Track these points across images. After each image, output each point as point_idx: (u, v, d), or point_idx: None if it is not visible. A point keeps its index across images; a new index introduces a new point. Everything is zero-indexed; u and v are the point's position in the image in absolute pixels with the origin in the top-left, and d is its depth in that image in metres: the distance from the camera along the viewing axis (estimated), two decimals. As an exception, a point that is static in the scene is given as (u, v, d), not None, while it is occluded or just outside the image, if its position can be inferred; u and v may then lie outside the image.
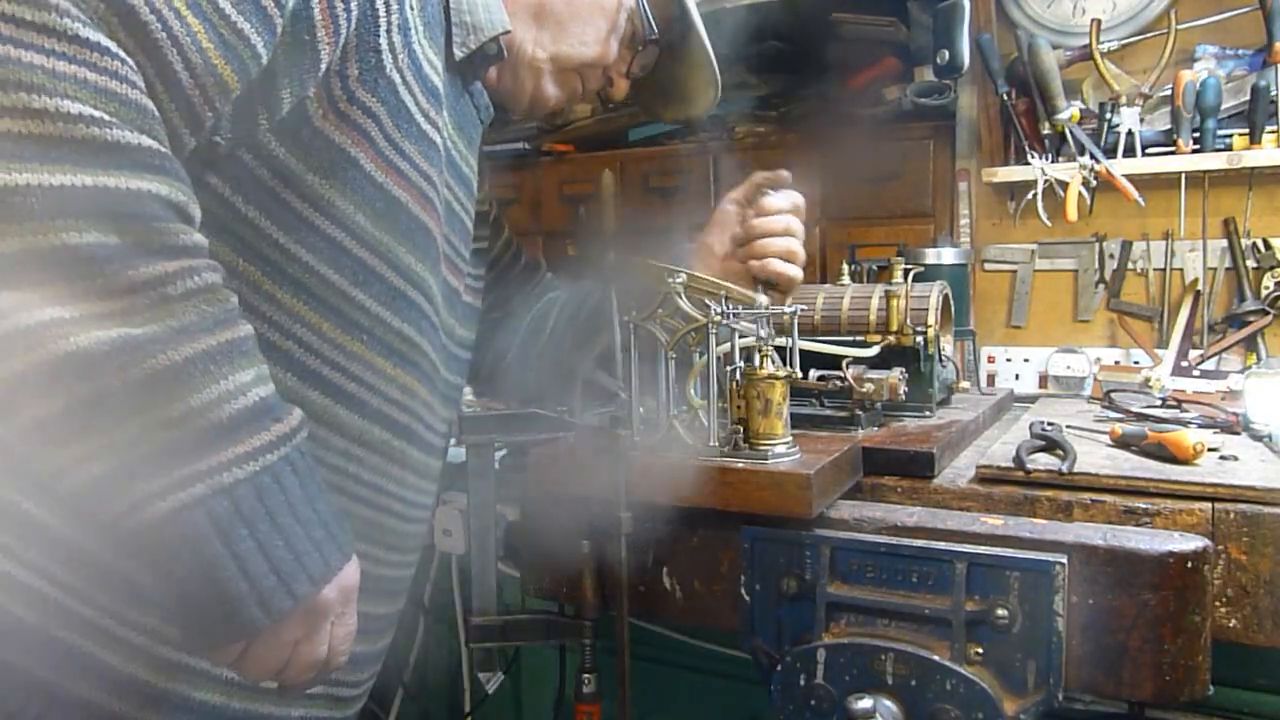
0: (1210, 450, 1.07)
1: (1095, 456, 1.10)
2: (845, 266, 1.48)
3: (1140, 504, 0.97)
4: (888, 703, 0.91)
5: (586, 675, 1.11)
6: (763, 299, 1.03)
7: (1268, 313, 1.71)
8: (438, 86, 0.89)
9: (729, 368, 1.02)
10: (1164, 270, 1.82)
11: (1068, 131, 1.80)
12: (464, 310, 1.05)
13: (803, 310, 1.17)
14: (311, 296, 0.81)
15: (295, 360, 0.82)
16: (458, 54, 0.93)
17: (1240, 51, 1.75)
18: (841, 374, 1.21)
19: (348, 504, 0.88)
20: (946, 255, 1.78)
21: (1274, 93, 1.66)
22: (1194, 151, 1.72)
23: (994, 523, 0.95)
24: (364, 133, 0.81)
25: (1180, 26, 1.77)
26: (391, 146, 0.84)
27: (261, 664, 0.70)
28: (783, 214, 1.13)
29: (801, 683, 0.96)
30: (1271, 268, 1.72)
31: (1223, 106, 1.71)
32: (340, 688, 0.94)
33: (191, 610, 0.65)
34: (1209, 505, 0.95)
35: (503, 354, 1.23)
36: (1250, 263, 1.74)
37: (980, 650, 0.90)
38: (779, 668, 0.97)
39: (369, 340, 0.86)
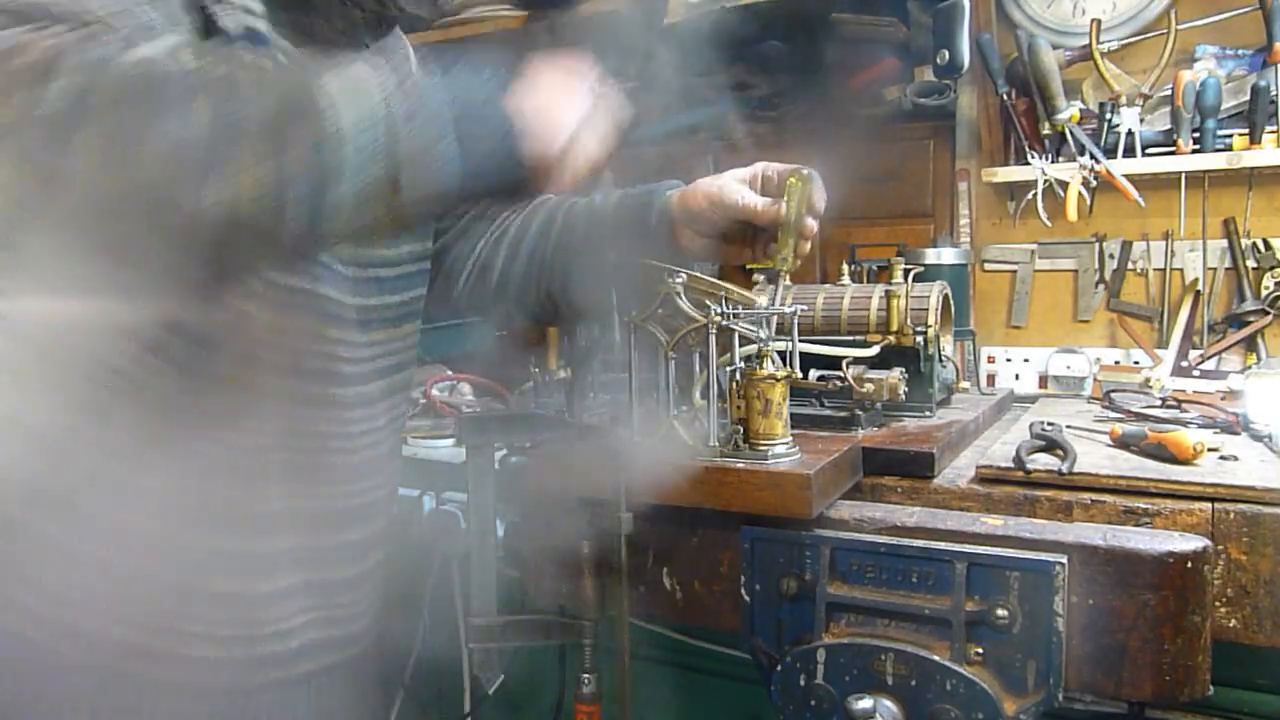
0: (1210, 450, 1.07)
1: (1095, 456, 1.10)
2: (845, 266, 1.48)
3: (1140, 504, 0.97)
4: (888, 703, 0.91)
5: (586, 675, 1.11)
6: (762, 300, 1.03)
7: (1268, 313, 1.71)
8: None
9: (729, 368, 1.02)
10: (1164, 270, 1.82)
11: (1068, 131, 1.80)
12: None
13: (803, 310, 1.17)
14: None
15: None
16: None
17: (1240, 51, 1.75)
18: (841, 374, 1.21)
19: (291, 458, 0.89)
20: (946, 255, 1.79)
21: (1274, 93, 1.66)
22: (1194, 151, 1.72)
23: (994, 523, 0.95)
24: None
25: (1180, 26, 1.77)
26: None
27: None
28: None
29: (801, 683, 0.96)
30: (1271, 268, 1.72)
31: (1223, 106, 1.71)
32: (334, 609, 0.95)
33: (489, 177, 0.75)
34: (1209, 505, 0.95)
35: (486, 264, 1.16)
36: (1250, 263, 1.74)
37: (980, 650, 0.90)
38: (779, 668, 0.97)
39: (258, 306, 0.85)
